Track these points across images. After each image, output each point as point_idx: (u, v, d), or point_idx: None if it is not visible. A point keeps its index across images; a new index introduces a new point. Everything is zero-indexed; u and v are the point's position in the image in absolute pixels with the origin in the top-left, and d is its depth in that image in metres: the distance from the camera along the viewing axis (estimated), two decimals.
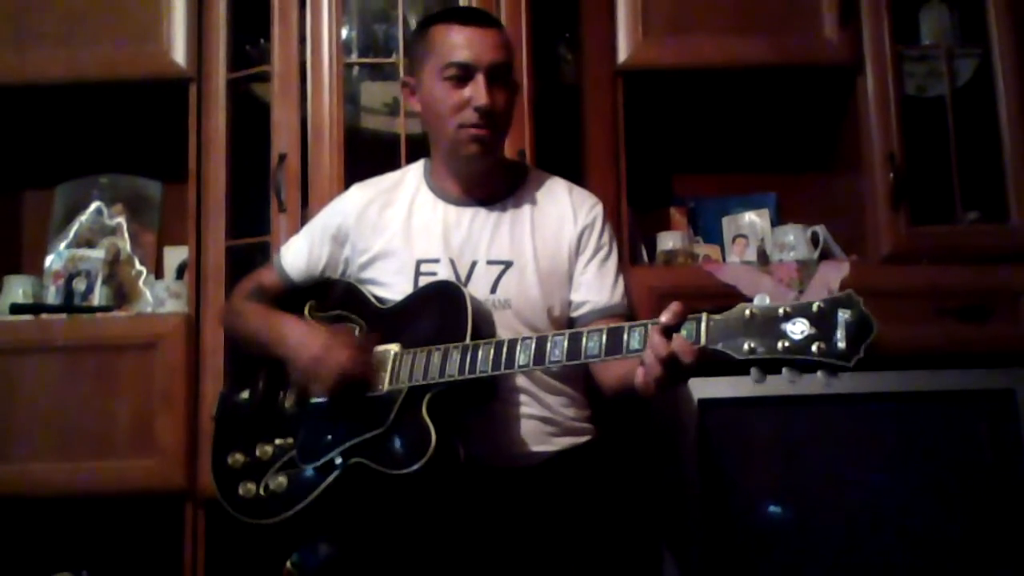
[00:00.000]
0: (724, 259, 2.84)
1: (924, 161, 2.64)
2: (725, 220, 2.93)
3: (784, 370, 1.44)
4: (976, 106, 2.68)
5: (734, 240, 2.89)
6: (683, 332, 1.51)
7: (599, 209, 2.07)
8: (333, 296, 2.06)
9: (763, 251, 2.78)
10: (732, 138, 3.04)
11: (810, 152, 2.98)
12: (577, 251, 2.02)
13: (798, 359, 1.42)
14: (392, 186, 2.09)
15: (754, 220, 2.89)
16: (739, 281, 2.54)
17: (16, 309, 2.66)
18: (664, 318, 1.51)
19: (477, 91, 1.89)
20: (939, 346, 2.50)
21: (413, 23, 2.66)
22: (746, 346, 1.45)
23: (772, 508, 2.39)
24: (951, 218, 2.65)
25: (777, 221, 2.89)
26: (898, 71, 2.65)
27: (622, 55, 2.65)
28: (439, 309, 1.84)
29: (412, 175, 2.10)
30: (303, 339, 1.88)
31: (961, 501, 2.35)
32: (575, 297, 2.01)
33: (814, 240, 2.71)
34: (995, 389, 2.39)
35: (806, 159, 2.99)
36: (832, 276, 2.55)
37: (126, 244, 2.93)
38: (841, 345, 1.39)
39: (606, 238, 2.06)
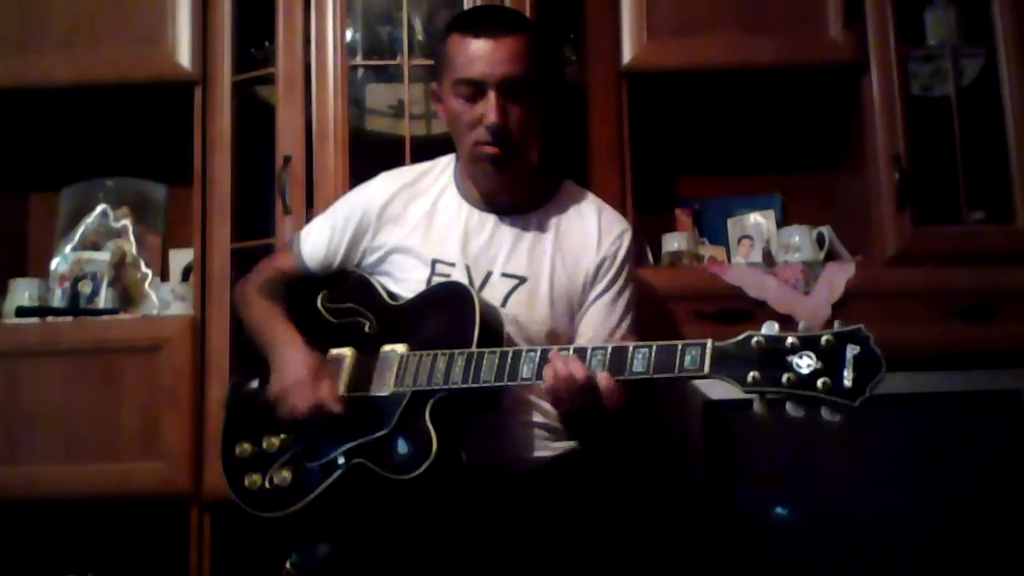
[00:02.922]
0: (729, 260, 2.84)
1: (929, 161, 2.64)
2: (730, 221, 2.93)
3: (787, 404, 1.43)
4: (981, 106, 2.68)
5: (739, 241, 2.89)
6: (687, 358, 1.52)
7: (625, 239, 2.01)
8: (346, 288, 2.04)
9: (768, 252, 2.78)
10: (737, 139, 3.03)
11: (815, 153, 2.98)
12: (593, 281, 1.97)
13: (802, 395, 1.41)
14: (420, 177, 2.06)
15: (759, 221, 2.89)
16: (744, 282, 2.54)
17: (22, 312, 2.66)
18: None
19: (488, 109, 1.85)
20: (945, 347, 2.49)
21: (417, 24, 2.67)
22: (750, 377, 1.44)
23: (778, 510, 2.39)
24: (956, 218, 2.64)
25: (782, 222, 2.88)
26: (903, 71, 2.64)
27: (626, 56, 2.65)
28: (448, 311, 1.82)
29: (441, 170, 2.06)
30: (287, 361, 1.87)
31: (968, 503, 2.34)
32: (578, 328, 1.97)
33: (819, 241, 2.70)
34: (1001, 390, 2.38)
35: (811, 160, 2.99)
36: (838, 277, 2.55)
37: (131, 247, 2.93)
38: (848, 383, 1.38)
39: (624, 273, 1.99)
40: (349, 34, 2.65)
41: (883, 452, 2.39)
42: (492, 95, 1.85)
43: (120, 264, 2.87)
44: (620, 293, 1.98)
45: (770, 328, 1.47)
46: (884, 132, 2.62)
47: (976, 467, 2.37)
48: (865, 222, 2.67)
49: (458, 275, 1.92)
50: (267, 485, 1.87)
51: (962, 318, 2.51)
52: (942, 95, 2.70)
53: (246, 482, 1.89)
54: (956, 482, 2.36)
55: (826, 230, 2.72)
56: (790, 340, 1.43)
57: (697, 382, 2.35)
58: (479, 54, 1.86)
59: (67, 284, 2.78)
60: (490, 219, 1.98)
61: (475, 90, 1.87)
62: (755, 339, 1.46)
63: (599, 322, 1.96)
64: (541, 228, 1.98)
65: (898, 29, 2.65)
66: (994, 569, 2.31)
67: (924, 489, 2.36)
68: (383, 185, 2.06)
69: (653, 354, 1.57)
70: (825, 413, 1.40)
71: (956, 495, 2.35)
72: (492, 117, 1.84)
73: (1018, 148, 2.61)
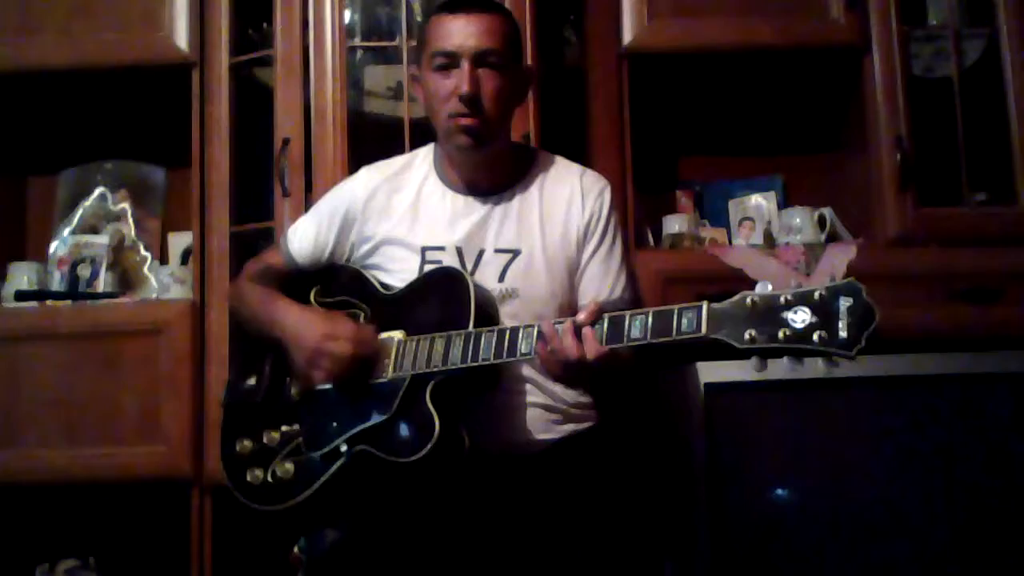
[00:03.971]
0: (730, 242, 2.83)
1: (931, 143, 2.63)
2: (731, 203, 2.92)
3: (785, 358, 1.44)
4: (983, 87, 2.67)
5: (740, 223, 2.88)
6: (684, 321, 1.52)
7: (607, 194, 2.02)
8: (338, 282, 2.05)
9: (770, 234, 2.78)
10: (738, 121, 3.02)
11: (817, 134, 2.97)
12: (584, 239, 1.98)
13: (799, 348, 1.42)
14: (401, 170, 2.06)
15: (760, 203, 2.88)
16: (745, 264, 2.54)
17: (21, 296, 2.67)
18: (581, 316, 1.62)
19: (461, 79, 1.86)
20: (948, 330, 2.49)
21: (416, 6, 2.66)
22: (747, 335, 1.45)
23: (780, 493, 2.39)
24: (958, 200, 2.64)
25: (784, 204, 2.88)
26: (905, 52, 2.64)
27: (627, 37, 2.64)
28: (442, 295, 1.83)
29: (421, 160, 2.07)
30: (300, 326, 1.88)
31: (971, 486, 2.34)
32: (579, 290, 1.98)
33: (821, 223, 2.70)
34: (1005, 373, 2.38)
35: (813, 141, 2.98)
36: (839, 259, 2.54)
37: (130, 230, 2.93)
38: (843, 334, 1.39)
39: (612, 226, 2.01)
40: (347, 15, 2.63)
41: (886, 435, 2.39)
42: (466, 66, 1.86)
43: (119, 247, 2.87)
44: (612, 247, 2.00)
45: (764, 287, 1.48)
46: (886, 113, 2.61)
47: (980, 450, 2.36)
48: (867, 204, 2.66)
49: (448, 259, 1.93)
50: (269, 479, 1.88)
51: (965, 300, 2.50)
52: (944, 76, 2.70)
53: (248, 477, 1.90)
54: (960, 465, 2.35)
55: (827, 212, 2.72)
56: (784, 297, 1.45)
57: (698, 365, 2.35)
58: (454, 28, 1.88)
59: (66, 268, 2.78)
60: (475, 200, 1.98)
61: (450, 61, 1.88)
62: (750, 298, 1.48)
63: (599, 281, 1.97)
64: (526, 200, 1.99)
65: (900, 10, 2.64)
66: (999, 553, 2.32)
67: (927, 472, 2.36)
68: (365, 179, 2.06)
69: (650, 319, 1.58)
70: (822, 365, 1.42)
71: (960, 478, 2.35)
72: (465, 87, 1.85)
73: (1020, 129, 2.61)
